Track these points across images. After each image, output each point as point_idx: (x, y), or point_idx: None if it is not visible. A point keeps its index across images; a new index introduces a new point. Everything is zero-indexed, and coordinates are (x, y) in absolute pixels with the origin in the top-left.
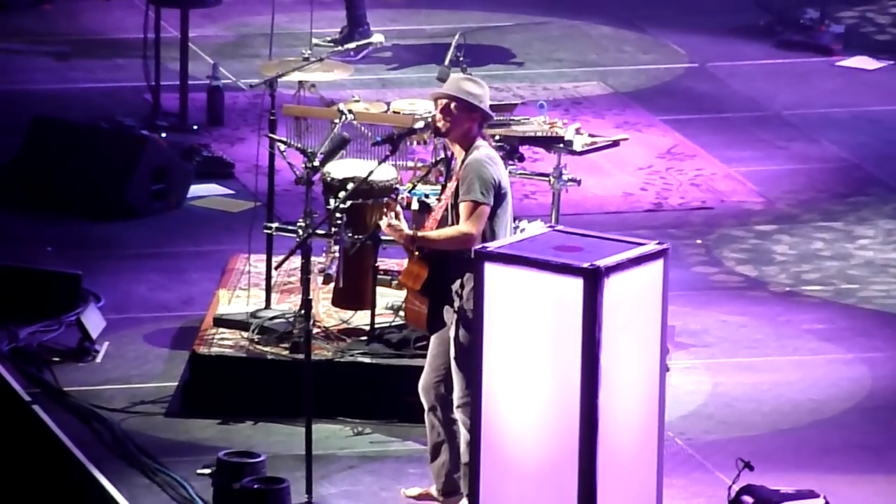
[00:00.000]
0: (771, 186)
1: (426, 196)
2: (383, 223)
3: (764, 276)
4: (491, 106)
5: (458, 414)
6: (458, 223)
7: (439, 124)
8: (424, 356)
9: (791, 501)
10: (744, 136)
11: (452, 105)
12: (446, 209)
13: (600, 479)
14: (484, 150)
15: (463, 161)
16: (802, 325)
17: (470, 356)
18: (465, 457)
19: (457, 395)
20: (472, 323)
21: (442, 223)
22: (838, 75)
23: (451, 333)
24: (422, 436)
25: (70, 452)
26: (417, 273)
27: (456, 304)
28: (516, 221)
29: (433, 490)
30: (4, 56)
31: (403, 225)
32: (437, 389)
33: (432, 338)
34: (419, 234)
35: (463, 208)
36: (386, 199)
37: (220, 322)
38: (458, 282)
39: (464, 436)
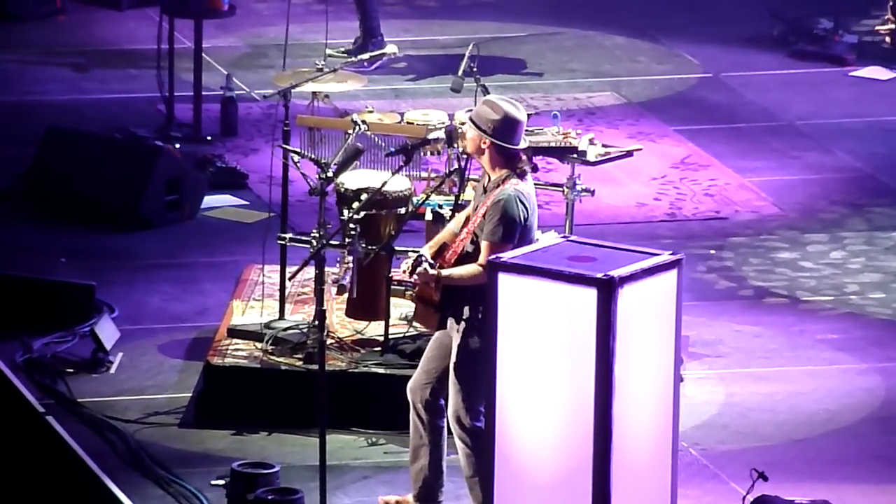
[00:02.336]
0: (785, 196)
1: (440, 207)
2: (413, 275)
3: (778, 285)
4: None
5: (453, 427)
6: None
7: (452, 133)
8: None
9: None
10: (757, 146)
11: (468, 127)
12: (469, 236)
13: (614, 490)
14: (513, 185)
15: (486, 189)
16: (816, 335)
17: (472, 367)
18: (465, 471)
19: (451, 408)
20: (480, 333)
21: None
22: (852, 85)
23: (455, 343)
24: None
25: (84, 463)
26: (432, 293)
27: (465, 317)
28: None
29: (410, 497)
30: (19, 67)
31: (427, 267)
32: (424, 392)
33: (431, 340)
34: (443, 273)
35: (484, 247)
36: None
37: (234, 333)
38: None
39: (461, 450)
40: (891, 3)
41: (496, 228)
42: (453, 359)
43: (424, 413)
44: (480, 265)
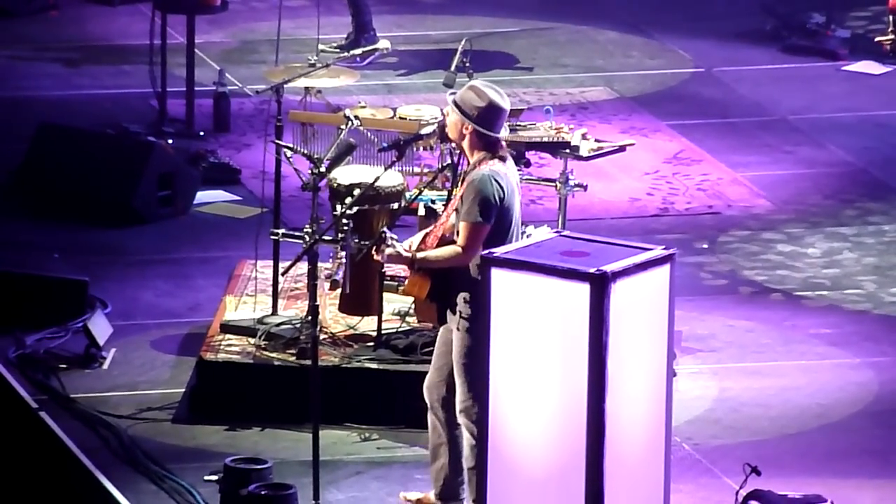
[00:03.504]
0: (777, 191)
1: (432, 202)
2: (381, 256)
3: (770, 280)
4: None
5: (460, 418)
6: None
7: (445, 128)
8: (431, 361)
9: None
10: (750, 141)
11: (450, 110)
12: (448, 222)
13: (607, 484)
14: (488, 166)
15: (465, 175)
16: (809, 329)
17: (474, 357)
18: (468, 461)
19: (459, 399)
20: (478, 328)
21: (445, 236)
22: (844, 80)
23: (456, 337)
24: (428, 442)
25: (77, 459)
26: (421, 284)
27: (464, 310)
28: (523, 227)
29: (431, 496)
30: (11, 62)
31: (400, 249)
32: (440, 390)
33: (438, 338)
34: (418, 255)
35: (461, 228)
36: (375, 243)
37: (227, 328)
38: (469, 293)
39: (467, 440)
40: (892, 17)
41: (471, 208)
42: (455, 350)
43: (442, 411)
44: (460, 246)
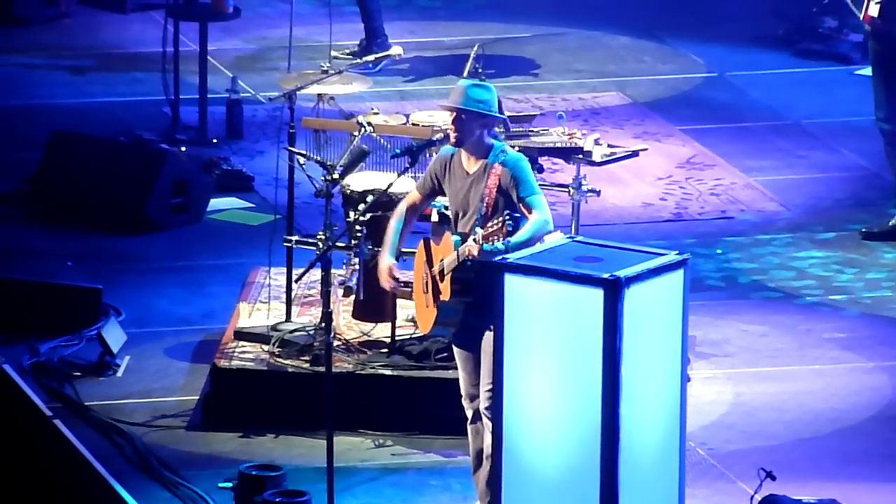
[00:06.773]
0: (790, 195)
1: (445, 207)
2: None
3: (784, 285)
4: (510, 117)
5: (485, 412)
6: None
7: (452, 136)
8: (445, 368)
9: None
10: (763, 146)
11: (463, 115)
12: (490, 209)
13: (622, 490)
14: (510, 149)
15: (488, 163)
16: (823, 333)
17: None
18: (488, 449)
19: (485, 394)
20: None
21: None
22: (857, 84)
23: (490, 330)
24: (443, 447)
25: (91, 467)
26: (444, 290)
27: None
28: None
29: None
30: (24, 70)
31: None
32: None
33: (455, 353)
34: (511, 242)
35: (535, 201)
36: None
37: (241, 335)
38: None
39: (488, 427)
40: None
41: (531, 182)
42: (490, 345)
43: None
44: (543, 218)
